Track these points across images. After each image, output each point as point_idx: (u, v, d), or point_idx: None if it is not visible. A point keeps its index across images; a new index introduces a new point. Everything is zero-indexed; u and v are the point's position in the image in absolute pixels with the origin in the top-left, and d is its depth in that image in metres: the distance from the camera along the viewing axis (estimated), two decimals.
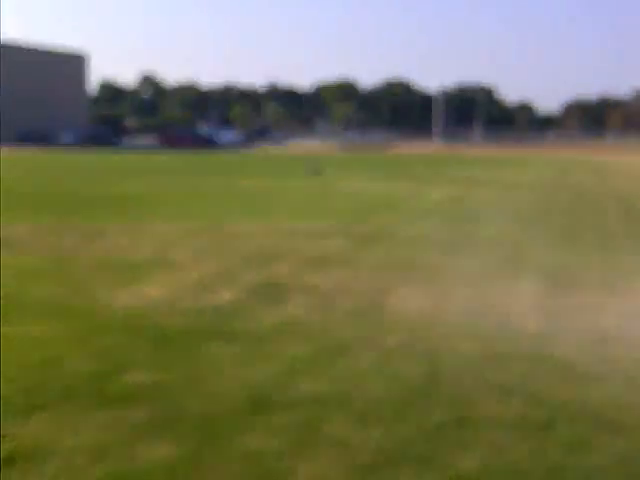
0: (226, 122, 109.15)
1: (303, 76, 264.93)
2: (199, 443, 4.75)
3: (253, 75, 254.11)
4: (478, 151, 61.88)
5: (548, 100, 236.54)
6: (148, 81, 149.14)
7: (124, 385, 5.78)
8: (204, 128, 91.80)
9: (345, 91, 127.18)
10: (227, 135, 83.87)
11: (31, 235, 13.47)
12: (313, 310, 8.16)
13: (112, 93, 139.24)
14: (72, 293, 8.81)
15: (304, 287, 9.29)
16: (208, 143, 73.36)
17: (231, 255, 11.58)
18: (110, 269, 10.30)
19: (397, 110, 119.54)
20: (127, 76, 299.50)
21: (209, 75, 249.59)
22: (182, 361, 6.37)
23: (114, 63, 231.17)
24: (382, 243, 13.00)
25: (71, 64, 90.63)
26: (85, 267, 10.46)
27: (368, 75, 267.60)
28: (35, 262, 10.81)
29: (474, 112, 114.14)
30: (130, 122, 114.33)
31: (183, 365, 6.27)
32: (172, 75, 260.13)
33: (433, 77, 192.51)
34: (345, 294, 8.93)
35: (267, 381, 5.91)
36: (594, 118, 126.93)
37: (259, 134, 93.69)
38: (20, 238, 13.08)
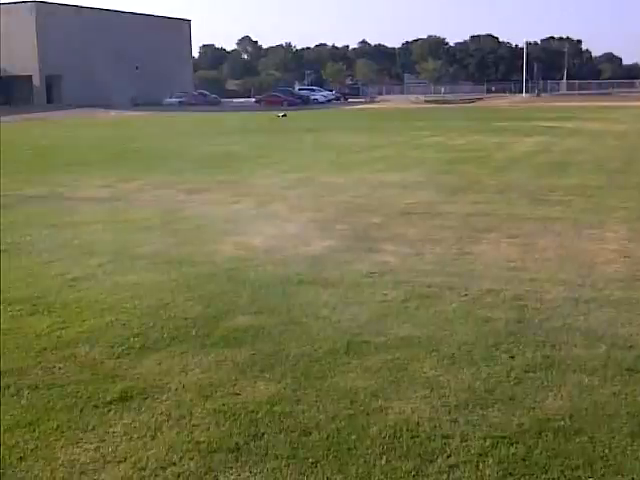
0: (320, 81, 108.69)
1: (393, 34, 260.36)
2: (298, 382, 4.81)
3: (345, 34, 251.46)
4: (565, 103, 59.90)
5: (634, 53, 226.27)
6: (246, 43, 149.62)
7: (227, 328, 5.89)
8: (299, 88, 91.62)
9: (434, 47, 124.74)
10: (321, 94, 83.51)
11: (142, 191, 13.80)
12: (403, 258, 8.11)
13: (213, 56, 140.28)
14: (181, 244, 9.00)
15: (395, 237, 9.23)
16: (303, 102, 73.21)
17: (326, 206, 11.60)
18: (216, 221, 10.45)
19: (485, 65, 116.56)
20: (226, 39, 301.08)
21: (303, 36, 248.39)
22: (281, 306, 6.44)
23: (213, 26, 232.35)
24: (471, 194, 12.77)
25: (178, 29, 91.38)
26: (192, 220, 10.66)
27: (456, 31, 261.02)
28: (147, 216, 11.06)
29: (561, 65, 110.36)
30: (230, 84, 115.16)
31: (283, 310, 6.34)
32: (268, 37, 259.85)
33: (520, 32, 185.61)
34: (433, 243, 8.83)
35: (360, 325, 5.93)
36: None
37: (352, 91, 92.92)
38: (132, 193, 13.42)
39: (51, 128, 37.74)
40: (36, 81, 73.25)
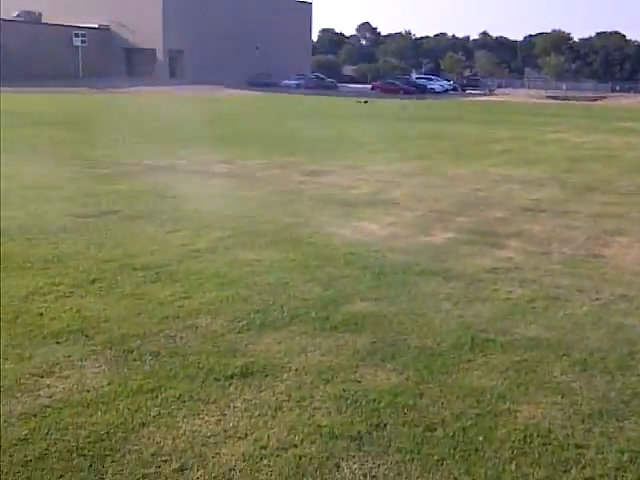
0: (438, 71, 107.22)
1: (515, 27, 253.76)
2: (421, 375, 4.66)
3: (466, 25, 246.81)
4: None
5: None
6: (365, 29, 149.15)
7: (347, 313, 5.79)
8: (416, 76, 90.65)
9: (557, 42, 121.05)
10: (438, 83, 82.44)
11: (260, 169, 13.89)
12: (529, 256, 7.82)
13: (332, 40, 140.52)
14: (299, 225, 8.97)
15: (519, 233, 8.92)
16: (420, 91, 72.43)
17: (446, 197, 11.35)
18: (333, 205, 10.39)
19: (610, 62, 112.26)
20: (345, 24, 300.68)
21: (422, 24, 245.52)
22: (402, 295, 6.29)
23: (333, 11, 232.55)
24: (598, 193, 12.24)
25: (299, 12, 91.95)
26: (310, 201, 10.63)
27: (581, 27, 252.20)
28: (266, 194, 11.11)
29: None
30: (347, 69, 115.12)
31: (403, 299, 6.19)
32: (388, 24, 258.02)
33: None
34: (561, 242, 8.48)
35: (484, 321, 5.71)
36: None
37: (470, 83, 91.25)
38: (250, 171, 13.53)
39: (172, 101, 38.64)
40: (159, 55, 75.20)
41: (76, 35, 70.29)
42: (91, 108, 30.99)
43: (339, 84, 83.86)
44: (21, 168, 12.60)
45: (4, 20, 64.83)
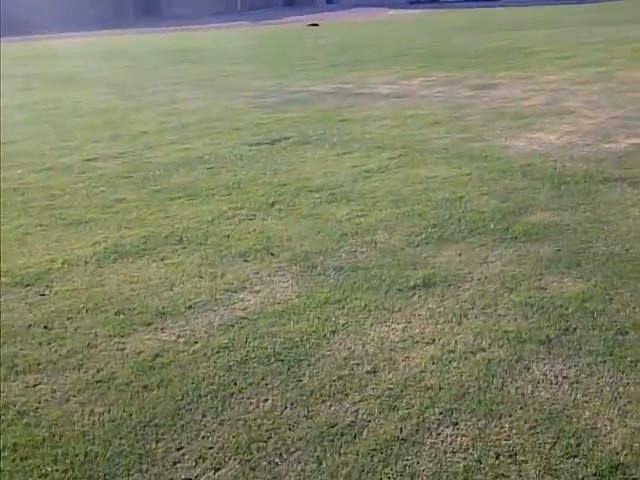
0: None
1: None
2: (610, 281, 4.60)
3: None
4: None
5: None
6: None
7: (527, 224, 5.76)
8: None
9: None
10: None
11: (426, 87, 13.77)
12: None
13: None
14: (470, 139, 8.90)
15: None
16: None
17: (628, 102, 10.82)
18: (505, 117, 10.20)
19: None
20: None
21: None
22: (584, 204, 6.16)
23: None
24: None
25: None
26: (480, 116, 10.47)
27: None
28: (434, 112, 11.05)
29: None
30: None
31: (585, 207, 6.07)
32: None
33: None
34: None
35: None
36: None
37: None
38: (416, 90, 13.44)
39: (332, 28, 38.64)
40: None
41: None
42: (253, 41, 31.59)
43: None
44: (195, 103, 13.18)
45: None
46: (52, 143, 9.81)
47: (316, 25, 39.56)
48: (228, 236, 5.80)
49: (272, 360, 3.81)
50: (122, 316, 4.42)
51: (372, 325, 4.18)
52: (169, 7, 60.26)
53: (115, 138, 10.02)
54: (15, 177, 7.96)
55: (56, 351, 4.01)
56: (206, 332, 4.18)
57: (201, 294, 4.70)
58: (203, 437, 3.18)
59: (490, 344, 3.90)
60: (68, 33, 39.03)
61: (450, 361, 3.75)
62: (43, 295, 4.78)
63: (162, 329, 4.23)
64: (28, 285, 4.96)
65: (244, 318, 4.33)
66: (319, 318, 4.29)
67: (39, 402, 3.50)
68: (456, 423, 3.24)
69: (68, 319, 4.41)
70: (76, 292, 4.81)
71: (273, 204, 6.64)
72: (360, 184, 7.17)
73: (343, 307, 4.43)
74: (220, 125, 10.75)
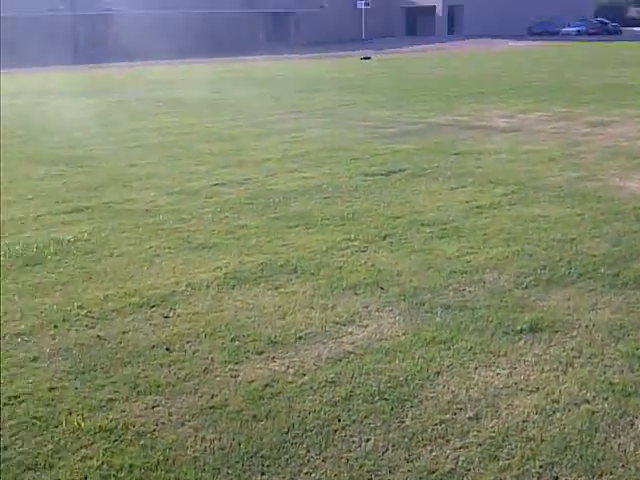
0: None
1: None
2: None
3: None
4: None
5: None
6: None
7: (638, 270, 5.51)
8: None
9: None
10: None
11: (542, 122, 13.45)
12: None
13: None
14: (584, 178, 8.62)
15: None
16: None
17: None
18: (619, 157, 9.84)
19: None
20: None
21: None
22: None
23: None
24: None
25: None
26: (595, 154, 10.13)
27: None
28: (549, 148, 10.77)
29: None
30: (632, 11, 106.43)
31: None
32: None
33: None
34: None
35: None
36: None
37: None
38: (532, 124, 13.15)
39: (450, 58, 38.40)
40: (439, 11, 74.68)
41: None
42: (375, 70, 31.76)
43: (624, 28, 77.76)
44: (316, 132, 13.32)
45: None
46: (183, 167, 10.12)
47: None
48: (340, 268, 5.80)
49: (376, 398, 3.77)
50: (237, 343, 4.48)
51: (477, 369, 4.08)
52: (298, 35, 61.46)
53: (241, 164, 10.24)
54: (148, 199, 8.25)
55: (175, 374, 4.10)
56: (314, 364, 4.18)
57: (311, 325, 4.72)
58: (306, 473, 3.17)
59: (595, 396, 3.74)
60: (202, 59, 40.33)
61: (554, 412, 3.61)
62: (167, 317, 4.91)
63: (273, 358, 4.26)
64: (154, 306, 5.10)
65: (351, 353, 4.31)
66: (424, 358, 4.22)
67: (156, 424, 3.58)
68: (556, 478, 3.11)
69: (188, 342, 4.51)
70: (197, 316, 4.92)
71: (385, 237, 6.60)
72: (471, 220, 7.05)
73: (449, 348, 4.34)
74: (339, 154, 10.81)
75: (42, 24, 47.00)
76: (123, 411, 3.70)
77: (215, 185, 8.89)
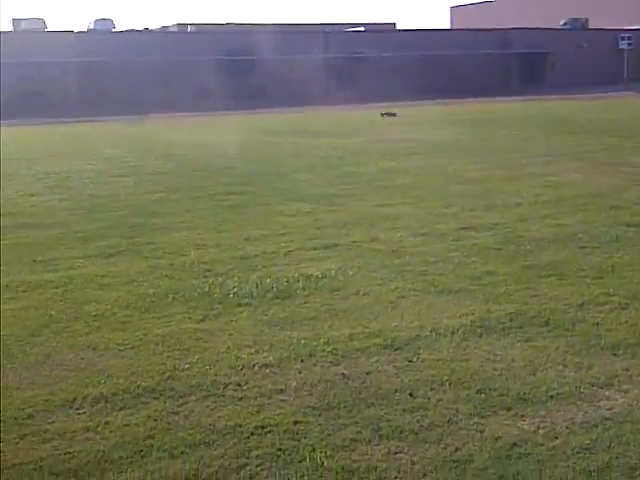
0: None
1: None
2: None
3: None
4: None
5: None
6: None
7: None
8: None
9: None
10: None
11: None
12: None
13: None
14: None
15: None
16: None
17: None
18: None
19: None
20: None
21: None
22: None
23: None
24: None
25: None
26: None
27: None
28: None
29: None
30: None
31: None
32: None
33: None
34: None
35: None
36: None
37: None
38: None
39: None
40: None
41: (622, 38, 68.90)
42: (636, 113, 30.15)
43: None
44: (571, 176, 12.83)
45: (552, 29, 66.70)
46: (430, 209, 10.17)
47: None
48: (597, 324, 5.48)
49: (637, 473, 3.49)
50: (483, 395, 4.37)
51: None
52: (554, 75, 59.97)
53: (489, 208, 10.09)
54: (395, 240, 8.36)
55: (418, 421, 4.08)
56: (567, 428, 3.96)
57: (565, 385, 4.49)
58: None
59: None
60: (453, 99, 40.53)
61: None
62: (410, 362, 4.91)
63: (522, 416, 4.10)
64: (397, 349, 5.13)
65: (609, 419, 4.04)
66: None
67: (398, 471, 3.57)
68: None
69: (432, 389, 4.48)
70: (441, 363, 4.88)
71: None
72: None
73: None
74: (597, 201, 10.31)
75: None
76: (365, 453, 3.74)
77: (462, 228, 8.82)
